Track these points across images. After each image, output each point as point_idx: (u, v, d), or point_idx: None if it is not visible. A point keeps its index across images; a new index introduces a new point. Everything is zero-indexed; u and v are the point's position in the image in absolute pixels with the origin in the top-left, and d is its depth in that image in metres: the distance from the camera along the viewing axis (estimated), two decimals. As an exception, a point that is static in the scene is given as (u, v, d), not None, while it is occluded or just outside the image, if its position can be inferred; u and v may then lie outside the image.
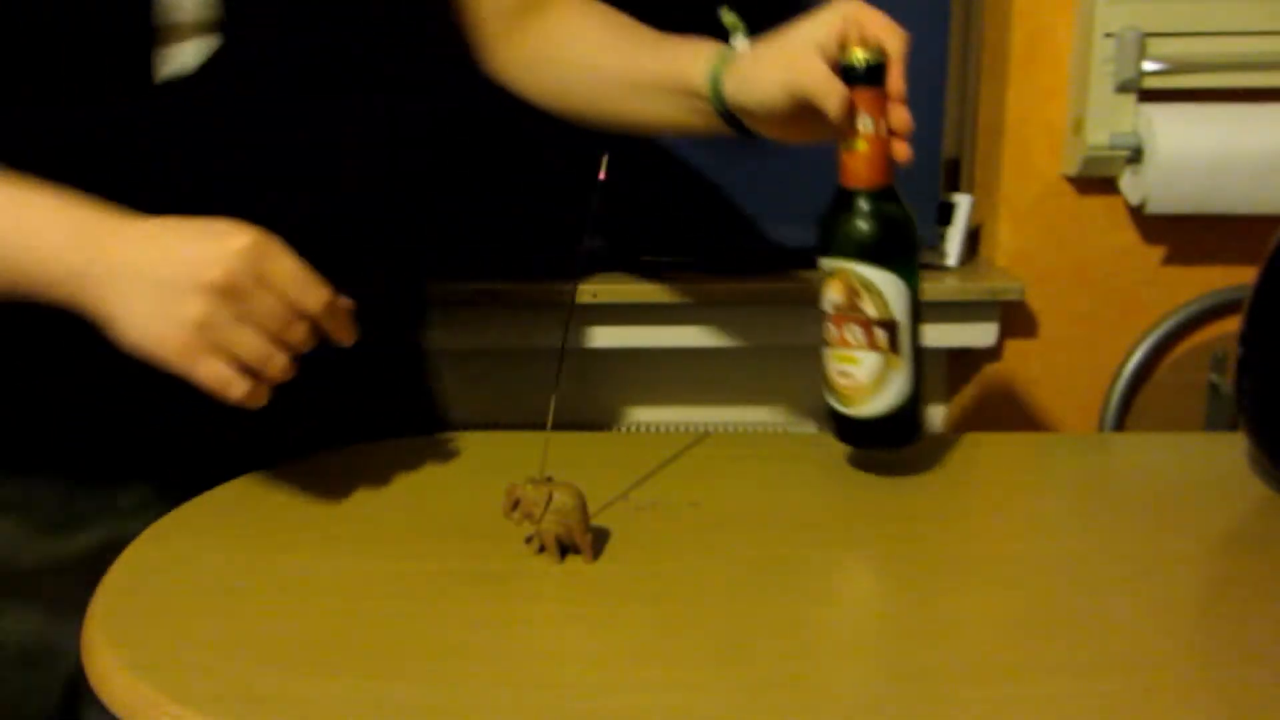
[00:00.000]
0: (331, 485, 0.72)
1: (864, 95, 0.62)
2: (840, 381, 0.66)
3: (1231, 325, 1.29)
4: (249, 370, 0.58)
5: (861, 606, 0.57)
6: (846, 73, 0.62)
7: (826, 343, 0.66)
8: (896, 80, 0.64)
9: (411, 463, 0.74)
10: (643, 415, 1.33)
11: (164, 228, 0.58)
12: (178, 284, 0.55)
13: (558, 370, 0.63)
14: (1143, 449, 0.81)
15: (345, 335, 0.63)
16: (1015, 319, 1.32)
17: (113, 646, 0.52)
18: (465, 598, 0.56)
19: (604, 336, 1.21)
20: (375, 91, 0.77)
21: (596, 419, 1.32)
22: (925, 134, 1.25)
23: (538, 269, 1.16)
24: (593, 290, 1.14)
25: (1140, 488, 0.71)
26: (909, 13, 1.21)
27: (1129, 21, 1.19)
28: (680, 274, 1.17)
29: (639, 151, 1.02)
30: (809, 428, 1.32)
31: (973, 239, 1.35)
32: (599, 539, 0.62)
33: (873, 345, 0.65)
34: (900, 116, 0.64)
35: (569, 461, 0.72)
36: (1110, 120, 1.22)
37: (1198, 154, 1.18)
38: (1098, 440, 0.93)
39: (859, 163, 0.63)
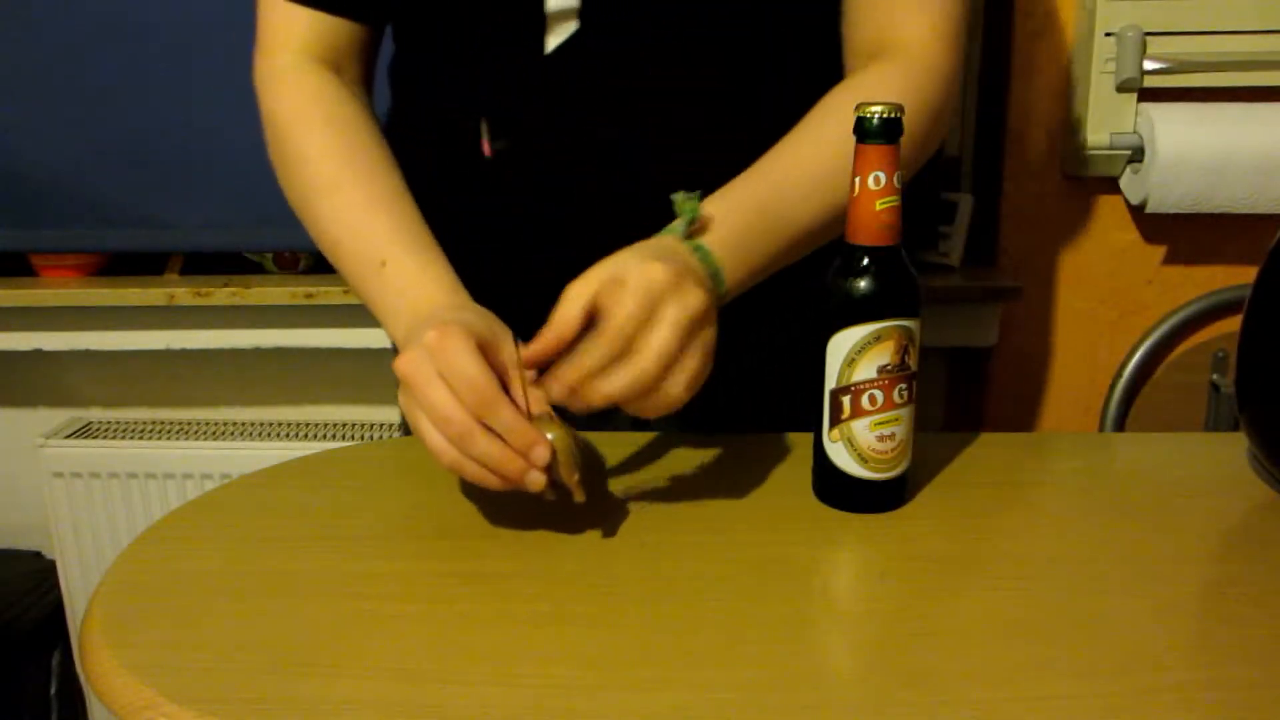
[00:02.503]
0: (331, 485, 0.72)
1: (880, 151, 0.60)
2: (881, 448, 0.64)
3: (1231, 325, 1.29)
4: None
5: (861, 606, 0.57)
6: (860, 126, 0.60)
7: (859, 414, 0.63)
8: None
9: (412, 462, 0.74)
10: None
11: (414, 325, 0.64)
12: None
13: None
14: (1143, 449, 0.81)
15: (525, 447, 0.58)
16: (1015, 319, 1.32)
17: (113, 646, 0.52)
18: (465, 598, 0.56)
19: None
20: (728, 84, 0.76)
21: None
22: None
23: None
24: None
25: (1140, 488, 0.71)
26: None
27: (1129, 20, 1.19)
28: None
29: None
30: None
31: (973, 239, 1.35)
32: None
33: (912, 398, 0.64)
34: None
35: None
36: (1110, 120, 1.22)
37: (1198, 154, 1.18)
38: (1098, 440, 0.93)
39: (892, 218, 0.61)
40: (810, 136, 0.71)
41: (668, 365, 0.58)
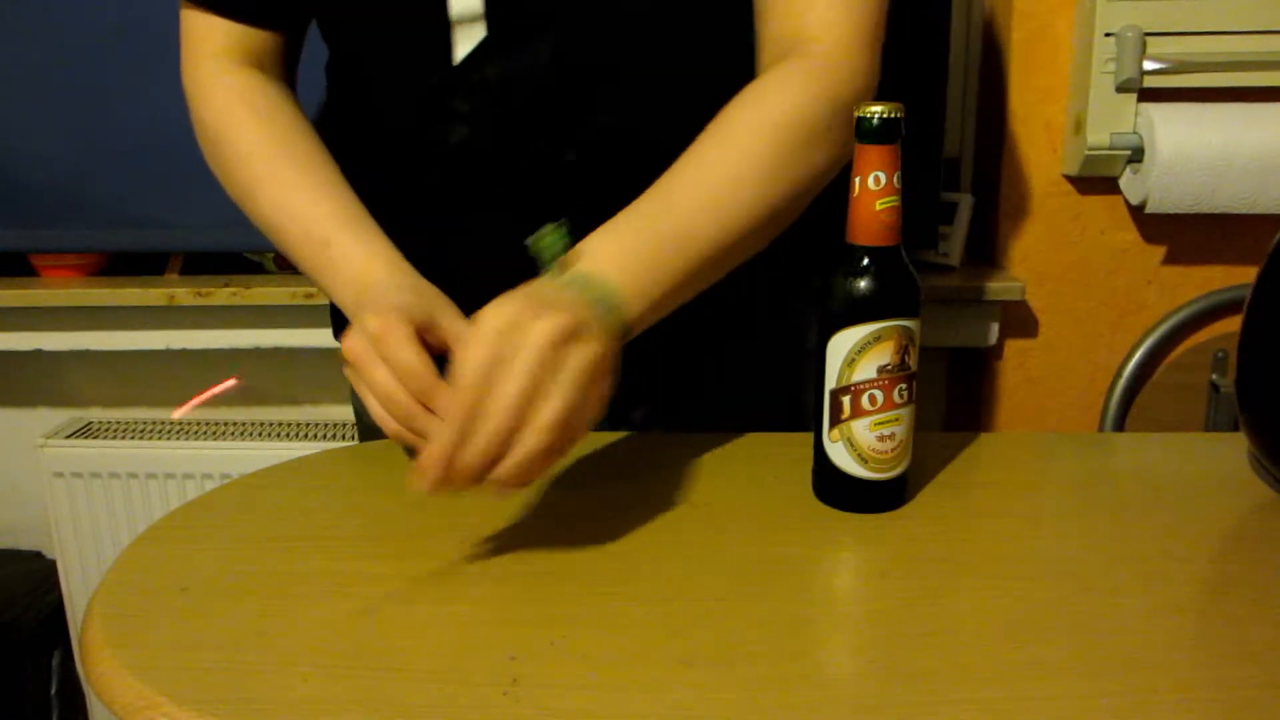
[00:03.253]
0: (331, 485, 0.72)
1: (880, 151, 0.60)
2: (882, 448, 0.64)
3: (1231, 325, 1.29)
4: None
5: (861, 606, 0.57)
6: (859, 126, 0.60)
7: (859, 414, 0.63)
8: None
9: (411, 463, 0.73)
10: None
11: (360, 299, 0.68)
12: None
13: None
14: (1143, 449, 0.81)
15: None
16: (1015, 319, 1.32)
17: (113, 646, 0.52)
18: (465, 598, 0.56)
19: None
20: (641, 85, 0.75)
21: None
22: (925, 134, 1.26)
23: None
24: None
25: (1140, 488, 0.71)
26: (910, 13, 1.22)
27: (1129, 21, 1.19)
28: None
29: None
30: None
31: (973, 239, 1.35)
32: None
33: (912, 398, 0.64)
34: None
35: (569, 461, 0.72)
36: (1110, 120, 1.22)
37: (1198, 154, 1.18)
38: (1098, 440, 0.93)
39: (892, 218, 0.61)
40: (712, 150, 0.67)
41: (518, 416, 0.55)
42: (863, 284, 0.62)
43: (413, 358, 0.60)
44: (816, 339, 0.64)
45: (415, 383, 0.60)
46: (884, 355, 0.62)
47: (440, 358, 0.62)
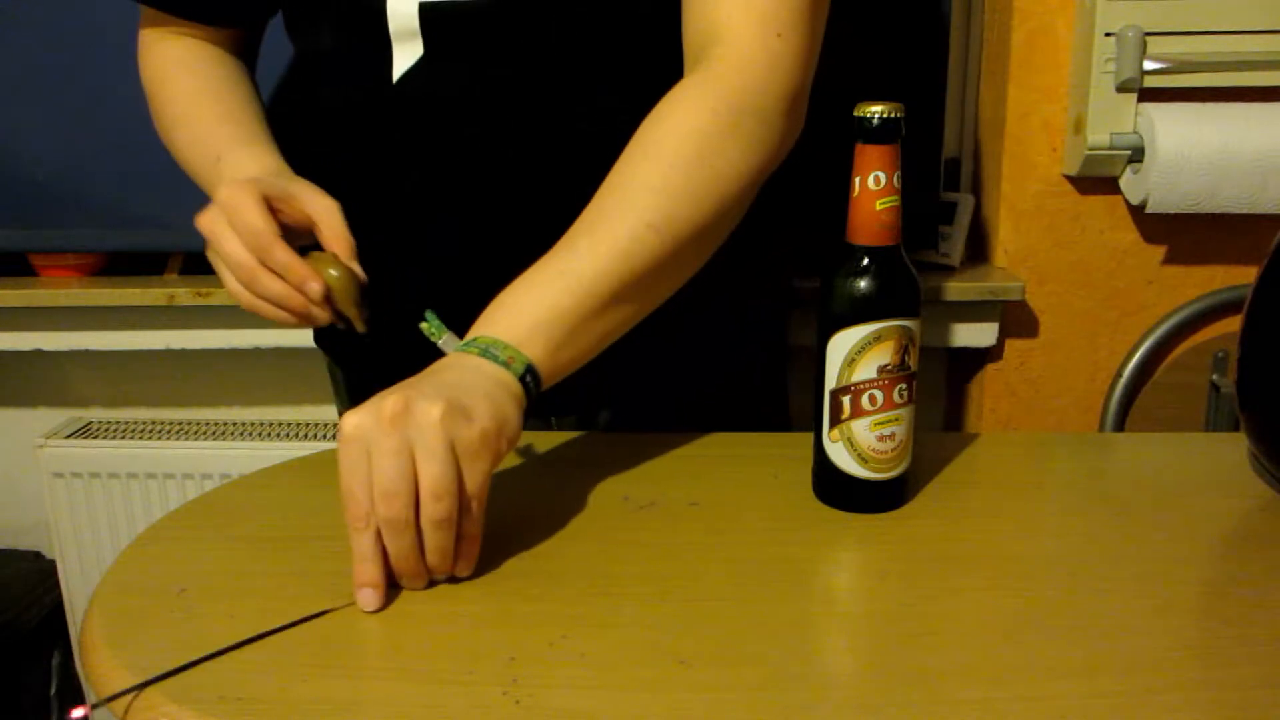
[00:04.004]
0: (331, 485, 0.71)
1: (880, 151, 0.60)
2: (882, 448, 0.64)
3: (1231, 325, 1.29)
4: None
5: (861, 606, 0.57)
6: (859, 125, 0.60)
7: (859, 414, 0.63)
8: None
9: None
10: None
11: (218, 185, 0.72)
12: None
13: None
14: (1143, 449, 0.81)
15: (299, 283, 0.66)
16: (1015, 319, 1.32)
17: (112, 646, 0.52)
18: (465, 598, 0.56)
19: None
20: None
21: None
22: (925, 134, 1.26)
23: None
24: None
25: (1140, 488, 0.71)
26: (909, 13, 1.22)
27: (1129, 20, 1.19)
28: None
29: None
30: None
31: (973, 239, 1.35)
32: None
33: (912, 398, 0.64)
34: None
35: (569, 460, 0.72)
36: (1110, 120, 1.22)
37: (1198, 154, 1.18)
38: (1098, 440, 0.93)
39: (892, 218, 0.61)
40: (606, 198, 0.65)
41: (406, 498, 0.54)
42: (863, 284, 0.62)
43: (257, 220, 0.65)
44: (816, 339, 0.64)
45: (254, 239, 0.65)
46: (884, 355, 0.62)
47: (308, 248, 0.68)
